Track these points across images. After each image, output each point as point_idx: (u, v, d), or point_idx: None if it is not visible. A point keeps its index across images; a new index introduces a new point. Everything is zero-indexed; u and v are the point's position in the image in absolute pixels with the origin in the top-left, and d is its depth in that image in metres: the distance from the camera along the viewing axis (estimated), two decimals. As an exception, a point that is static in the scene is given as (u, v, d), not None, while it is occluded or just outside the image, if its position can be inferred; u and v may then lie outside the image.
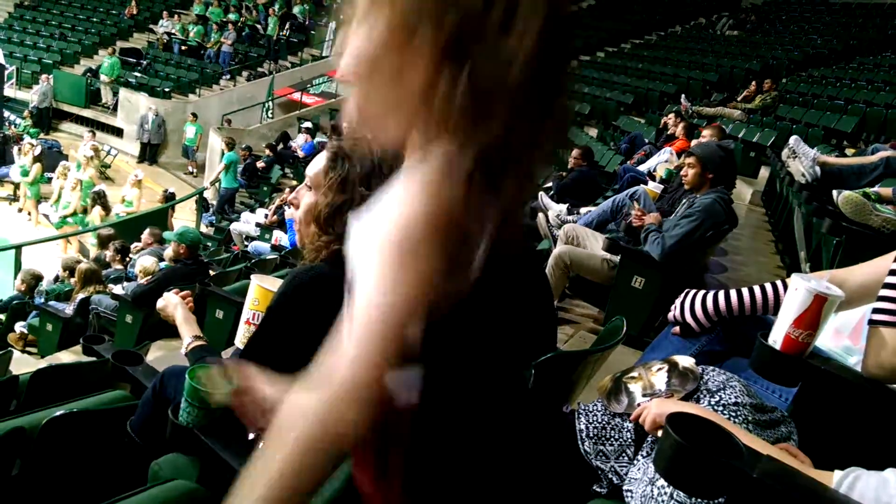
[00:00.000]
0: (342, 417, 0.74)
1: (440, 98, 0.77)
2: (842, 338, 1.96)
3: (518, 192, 0.82)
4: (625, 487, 1.51)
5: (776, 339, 1.53)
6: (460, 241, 0.76)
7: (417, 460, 0.90)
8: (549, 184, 7.15)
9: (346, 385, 0.74)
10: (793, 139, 4.67)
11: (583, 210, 5.36)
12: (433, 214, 0.74)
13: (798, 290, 1.49)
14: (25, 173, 12.63)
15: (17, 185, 13.36)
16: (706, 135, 6.11)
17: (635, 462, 1.55)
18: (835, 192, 3.60)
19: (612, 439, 1.60)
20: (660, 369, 1.64)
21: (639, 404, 1.56)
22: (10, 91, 17.68)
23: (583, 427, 1.63)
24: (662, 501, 1.36)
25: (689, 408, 1.44)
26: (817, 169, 4.41)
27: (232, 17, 20.45)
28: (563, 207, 5.42)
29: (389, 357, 0.74)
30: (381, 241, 0.74)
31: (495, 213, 0.78)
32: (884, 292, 1.53)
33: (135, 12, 21.11)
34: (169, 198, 12.03)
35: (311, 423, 0.74)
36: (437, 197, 0.74)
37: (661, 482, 1.36)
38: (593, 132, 13.13)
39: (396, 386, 0.81)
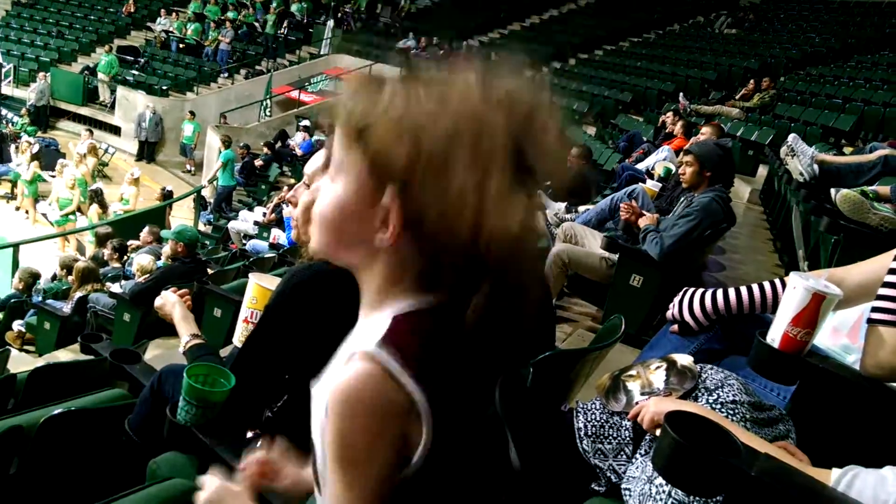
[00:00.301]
0: None
1: (396, 257, 0.85)
2: (840, 336, 1.96)
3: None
4: (623, 486, 1.51)
5: (774, 337, 1.53)
6: (400, 438, 0.82)
7: None
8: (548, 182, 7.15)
9: None
10: (791, 137, 4.67)
11: (581, 208, 5.36)
12: (370, 426, 0.81)
13: (796, 289, 1.49)
14: (18, 174, 12.62)
15: (14, 184, 13.34)
16: (705, 133, 6.12)
17: (633, 460, 1.55)
18: (833, 191, 3.60)
19: (611, 438, 1.60)
20: (658, 368, 1.63)
21: (637, 403, 1.56)
22: (7, 89, 17.67)
23: (581, 425, 1.63)
24: (661, 499, 1.36)
25: (686, 406, 1.44)
26: (815, 167, 4.41)
27: (230, 15, 20.43)
28: (562, 206, 5.42)
29: None
30: (330, 453, 0.83)
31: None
32: (882, 291, 1.53)
33: (132, 10, 21.07)
34: (166, 196, 12.02)
35: None
36: (363, 422, 0.81)
37: (660, 480, 1.36)
38: (592, 130, 13.14)
39: None
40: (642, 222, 3.92)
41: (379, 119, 0.83)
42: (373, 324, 0.87)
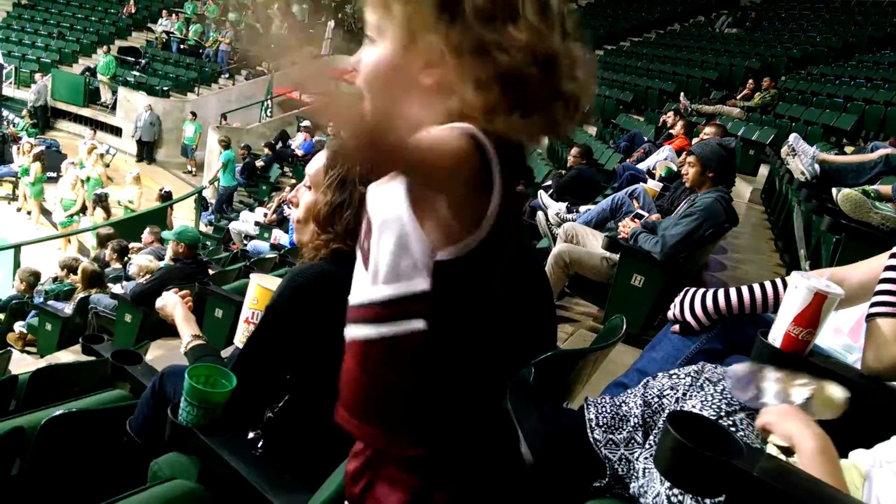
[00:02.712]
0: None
1: (451, 95, 0.86)
2: (842, 335, 1.96)
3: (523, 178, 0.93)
4: (641, 481, 1.50)
5: (776, 337, 1.53)
6: (471, 195, 0.84)
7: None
8: (549, 182, 7.15)
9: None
10: (792, 137, 4.67)
11: (582, 208, 5.35)
12: (460, 150, 0.82)
13: (798, 289, 1.49)
14: (25, 172, 12.61)
15: (15, 185, 13.35)
16: (708, 133, 6.11)
17: (646, 447, 1.54)
18: (834, 190, 3.60)
19: (621, 429, 1.60)
20: (805, 385, 1.50)
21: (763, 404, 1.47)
22: (8, 90, 17.66)
23: (592, 417, 1.63)
24: None
25: (801, 422, 1.36)
26: (817, 167, 4.41)
27: (231, 16, 20.44)
28: (563, 206, 5.42)
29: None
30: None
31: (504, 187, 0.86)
32: (881, 286, 1.53)
33: (133, 11, 21.07)
34: (164, 197, 12.02)
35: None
36: (456, 152, 0.82)
37: None
38: (592, 130, 13.12)
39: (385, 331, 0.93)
40: (626, 228, 3.92)
41: None
42: None
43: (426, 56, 0.86)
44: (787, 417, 1.32)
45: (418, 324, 0.92)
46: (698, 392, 1.52)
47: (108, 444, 2.13)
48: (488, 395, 1.01)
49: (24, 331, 6.69)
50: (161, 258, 6.55)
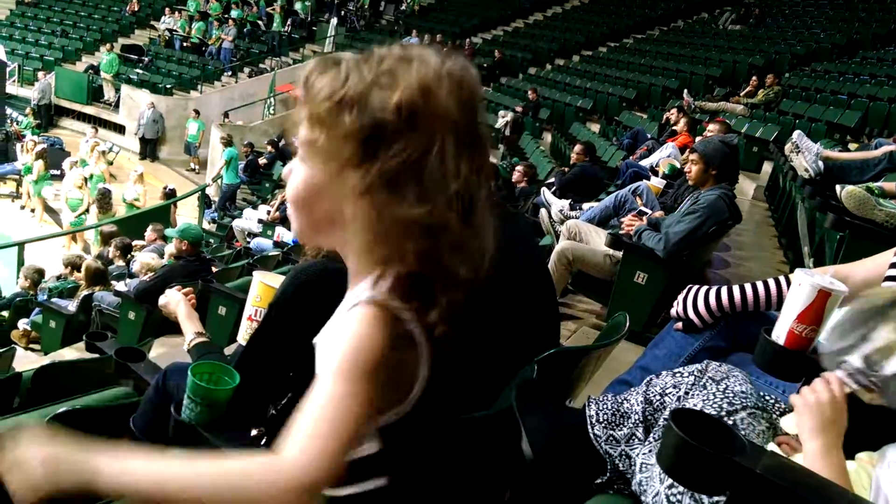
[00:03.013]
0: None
1: (368, 223, 0.90)
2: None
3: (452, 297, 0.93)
4: (641, 476, 1.50)
5: (779, 334, 1.53)
6: (394, 373, 0.90)
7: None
8: (552, 179, 7.14)
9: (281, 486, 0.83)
10: (796, 134, 4.66)
11: (585, 206, 5.35)
12: (367, 363, 0.87)
13: (802, 286, 1.49)
14: (28, 170, 12.63)
15: (19, 183, 13.37)
16: (711, 130, 6.10)
17: (647, 443, 1.54)
18: (838, 187, 3.59)
19: (621, 426, 1.60)
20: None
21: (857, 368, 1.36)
22: (12, 88, 17.69)
23: (593, 413, 1.64)
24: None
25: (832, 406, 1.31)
26: (820, 164, 4.39)
27: (234, 13, 20.44)
28: (566, 203, 5.41)
29: (334, 462, 0.85)
30: (330, 369, 0.89)
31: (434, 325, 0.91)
32: (886, 284, 1.53)
33: (136, 9, 21.10)
34: (169, 194, 12.03)
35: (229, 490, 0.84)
36: (372, 348, 0.88)
37: None
38: (595, 127, 13.11)
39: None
40: (629, 225, 3.91)
41: (340, 94, 0.89)
42: (366, 284, 0.94)
43: (348, 188, 0.90)
44: (810, 411, 1.30)
45: (380, 481, 0.99)
46: (701, 391, 1.52)
47: (111, 442, 2.13)
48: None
49: (28, 328, 6.71)
50: (163, 255, 6.56)
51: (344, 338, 0.89)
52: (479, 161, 0.93)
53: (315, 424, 0.85)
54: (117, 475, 0.90)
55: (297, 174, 0.96)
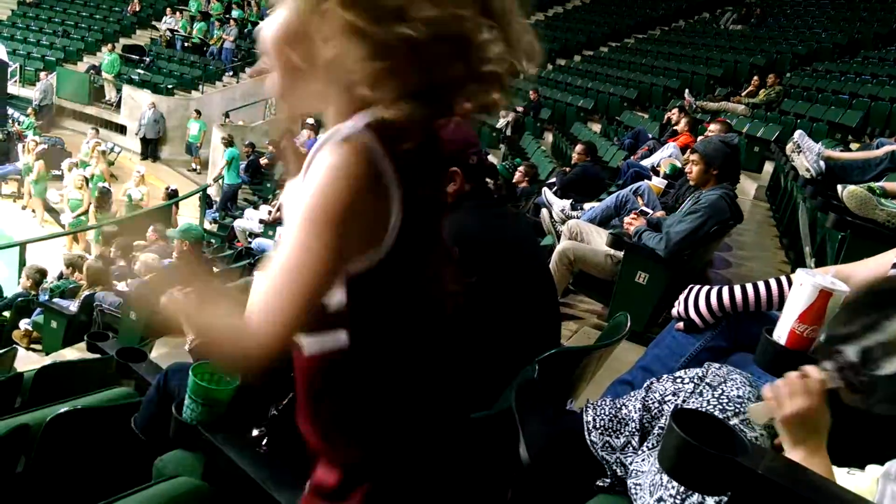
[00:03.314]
0: (243, 359, 0.88)
1: (352, 69, 0.83)
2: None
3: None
4: (631, 481, 1.51)
5: (781, 334, 1.52)
6: (365, 219, 0.85)
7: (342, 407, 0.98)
8: (553, 179, 7.14)
9: (250, 343, 0.85)
10: (797, 134, 4.65)
11: (586, 206, 5.35)
12: (337, 202, 0.83)
13: (803, 286, 1.48)
14: (29, 170, 12.64)
15: (21, 183, 13.38)
16: (713, 130, 6.09)
17: (640, 452, 1.55)
18: (839, 187, 3.58)
19: (618, 432, 1.60)
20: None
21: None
22: (13, 88, 17.70)
23: (590, 419, 1.64)
24: (672, 488, 1.37)
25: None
26: (822, 163, 4.39)
27: (235, 13, 20.44)
28: (567, 203, 5.41)
29: (293, 323, 0.86)
30: (297, 217, 0.85)
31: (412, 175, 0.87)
32: None
33: (137, 9, 21.10)
34: (171, 195, 12.03)
35: (225, 338, 0.88)
36: (342, 184, 0.84)
37: None
38: (596, 127, 13.10)
39: (311, 345, 0.95)
40: (633, 223, 3.90)
41: None
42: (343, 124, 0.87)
43: (329, 24, 0.83)
44: (785, 414, 1.22)
45: (341, 335, 0.93)
46: (697, 398, 1.52)
47: (112, 442, 2.13)
48: (430, 402, 1.01)
49: (30, 328, 6.71)
50: (166, 256, 6.56)
51: (311, 181, 0.85)
52: None
53: (275, 294, 0.84)
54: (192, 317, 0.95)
55: (273, 18, 0.90)
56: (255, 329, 0.84)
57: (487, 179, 2.15)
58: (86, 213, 11.68)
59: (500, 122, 14.01)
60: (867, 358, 1.17)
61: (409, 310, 0.95)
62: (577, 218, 4.78)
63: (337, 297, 0.90)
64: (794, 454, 1.23)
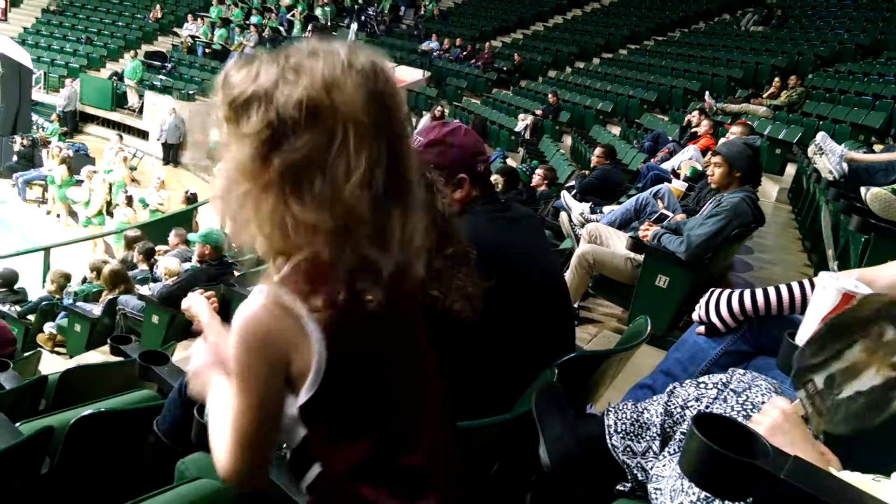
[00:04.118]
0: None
1: (279, 223, 0.93)
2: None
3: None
4: (652, 486, 1.50)
5: (804, 338, 1.51)
6: (279, 354, 0.96)
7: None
8: (572, 183, 7.12)
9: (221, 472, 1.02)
10: (820, 136, 4.61)
11: (606, 209, 5.33)
12: (250, 344, 0.96)
13: (826, 289, 1.47)
14: (52, 180, 12.82)
15: (45, 188, 13.56)
16: (734, 132, 6.05)
17: (661, 457, 1.54)
18: (863, 189, 3.54)
19: (640, 437, 1.59)
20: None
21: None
22: (37, 95, 17.96)
23: (611, 423, 1.63)
24: (693, 493, 1.36)
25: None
26: (845, 166, 4.34)
27: (254, 19, 20.60)
28: (586, 206, 5.39)
29: (253, 460, 1.00)
30: (231, 368, 0.99)
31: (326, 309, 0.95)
32: None
33: (159, 16, 21.35)
34: (190, 198, 12.13)
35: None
36: (254, 327, 0.95)
37: None
38: (616, 130, 13.06)
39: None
40: (649, 231, 3.88)
41: (249, 91, 0.92)
42: (271, 273, 0.99)
43: (256, 183, 0.94)
44: (776, 430, 1.23)
45: (316, 468, 1.04)
46: (721, 404, 1.51)
47: (135, 444, 2.15)
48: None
49: (54, 332, 6.79)
50: (187, 260, 6.62)
51: (235, 322, 0.97)
52: (397, 150, 0.96)
53: (228, 436, 0.99)
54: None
55: (219, 172, 0.99)
56: (221, 468, 1.00)
57: (502, 182, 2.16)
58: (97, 214, 11.83)
59: (519, 126, 14.00)
60: (830, 383, 1.25)
61: (362, 419, 1.03)
62: (597, 221, 4.77)
63: (301, 433, 1.03)
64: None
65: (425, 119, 13.36)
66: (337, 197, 0.91)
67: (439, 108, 14.49)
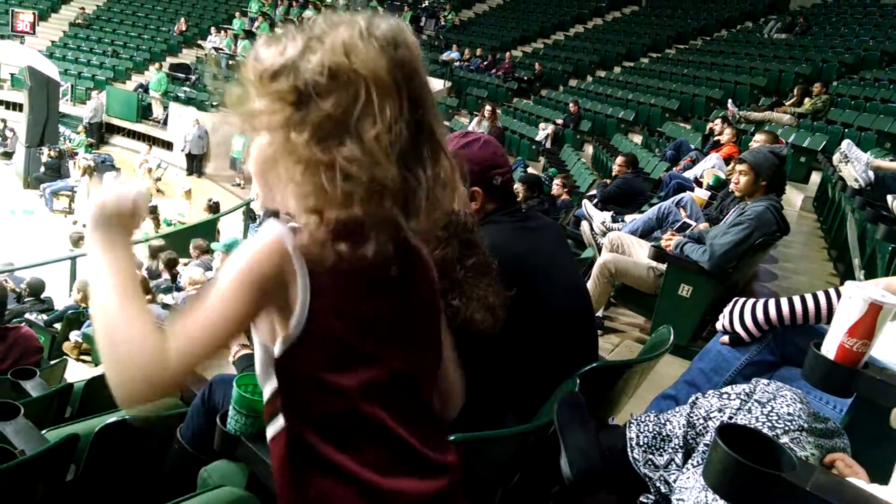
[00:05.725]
0: (131, 381, 1.03)
1: (309, 187, 0.96)
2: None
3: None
4: (675, 497, 1.49)
5: (829, 349, 1.49)
6: (273, 291, 0.98)
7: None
8: (594, 191, 7.10)
9: (155, 363, 1.00)
10: (845, 143, 4.57)
11: (628, 218, 5.30)
12: (250, 270, 0.98)
13: (852, 299, 1.45)
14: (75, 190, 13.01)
15: (72, 199, 13.76)
16: (758, 141, 6.00)
17: (684, 470, 1.52)
18: (889, 198, 3.51)
19: (661, 450, 1.58)
20: None
21: None
22: (64, 107, 18.24)
23: (633, 436, 1.62)
24: None
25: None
26: (871, 173, 4.30)
27: (278, 31, 20.79)
28: (608, 215, 5.37)
29: (202, 355, 1.00)
30: (226, 269, 0.99)
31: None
32: None
33: (184, 29, 21.63)
34: (213, 207, 12.24)
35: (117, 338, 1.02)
36: (257, 259, 0.98)
37: None
38: (637, 139, 13.00)
39: (269, 433, 1.08)
40: (672, 240, 3.85)
41: (279, 63, 0.97)
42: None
43: (290, 149, 0.97)
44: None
45: (280, 420, 1.05)
46: (746, 415, 1.49)
47: (159, 452, 2.17)
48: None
49: (80, 340, 6.88)
50: (210, 269, 6.68)
51: (241, 249, 1.00)
52: (421, 112, 1.00)
53: (197, 329, 0.98)
54: (94, 262, 1.03)
55: (253, 147, 1.04)
56: (172, 351, 0.98)
57: (522, 191, 2.15)
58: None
59: (540, 135, 13.98)
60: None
61: (337, 390, 1.02)
62: (619, 230, 4.74)
63: (273, 382, 1.04)
64: None
65: (477, 119, 13.25)
66: (366, 153, 0.95)
67: (489, 106, 13.38)
